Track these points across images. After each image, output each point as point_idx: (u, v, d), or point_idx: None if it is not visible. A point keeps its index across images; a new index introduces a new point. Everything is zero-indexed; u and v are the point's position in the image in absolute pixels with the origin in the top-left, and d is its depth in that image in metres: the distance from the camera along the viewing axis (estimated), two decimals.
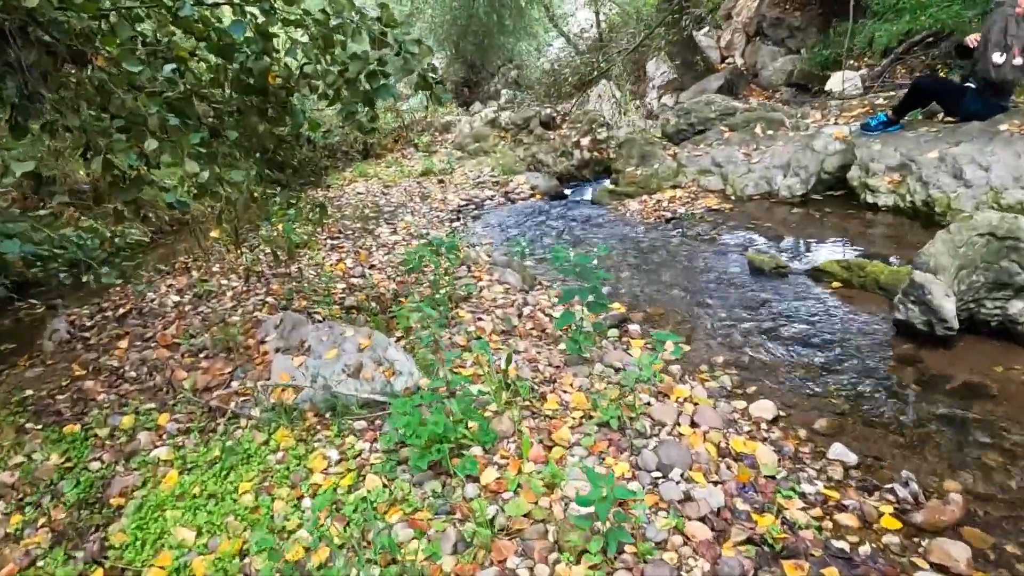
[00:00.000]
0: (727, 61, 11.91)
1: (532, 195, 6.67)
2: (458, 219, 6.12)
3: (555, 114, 8.67)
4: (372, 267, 4.90)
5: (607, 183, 6.59)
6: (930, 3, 7.38)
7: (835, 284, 3.72)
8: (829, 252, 4.23)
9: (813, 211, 4.98)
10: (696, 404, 2.69)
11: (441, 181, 7.64)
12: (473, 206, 6.53)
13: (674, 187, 5.76)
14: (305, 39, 2.65)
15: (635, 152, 6.32)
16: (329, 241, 5.72)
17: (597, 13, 15.46)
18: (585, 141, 7.63)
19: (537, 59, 20.32)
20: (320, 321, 3.61)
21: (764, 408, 2.69)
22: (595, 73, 14.07)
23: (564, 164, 7.58)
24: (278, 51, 2.77)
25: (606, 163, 7.46)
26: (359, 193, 7.79)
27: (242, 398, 3.04)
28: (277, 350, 3.31)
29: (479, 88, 19.98)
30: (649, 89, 14.00)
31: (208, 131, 2.58)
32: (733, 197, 5.42)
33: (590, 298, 3.06)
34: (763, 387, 2.87)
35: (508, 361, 2.85)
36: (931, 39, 7.87)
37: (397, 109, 10.33)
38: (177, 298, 4.47)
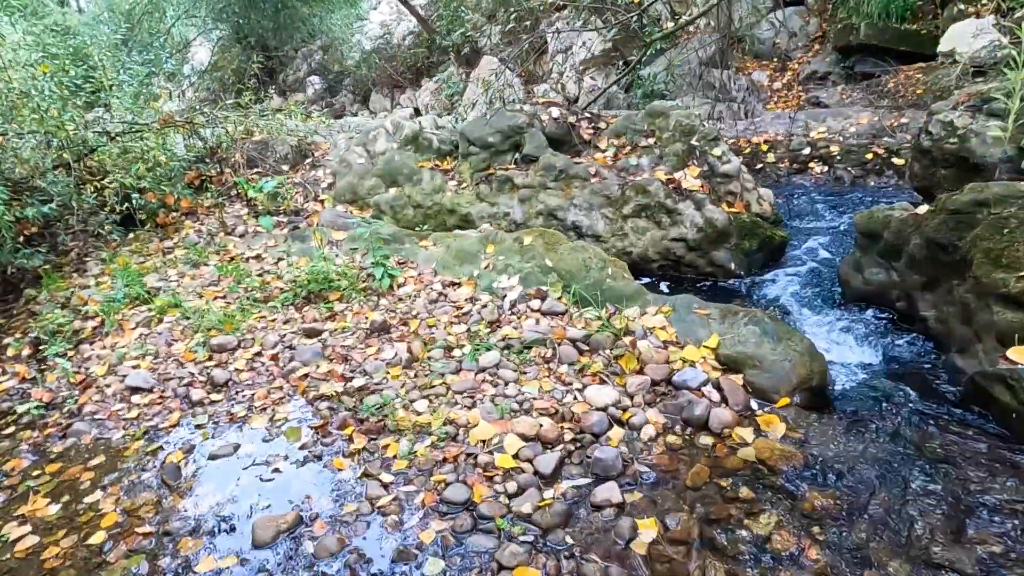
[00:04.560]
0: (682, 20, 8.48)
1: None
2: None
3: (573, 117, 4.08)
4: None
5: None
6: None
7: None
8: None
9: None
10: None
11: (383, 330, 2.81)
12: None
13: None
14: None
15: None
16: None
17: None
18: (691, 178, 3.46)
19: (352, 35, 15.13)
20: None
21: None
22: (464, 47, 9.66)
23: (656, 237, 3.33)
24: None
25: (762, 231, 3.38)
26: (94, 417, 2.65)
27: None
28: None
29: (277, 77, 14.31)
30: (560, 67, 10.02)
31: None
32: None
33: None
34: None
35: None
36: None
37: (191, 119, 4.64)
38: None
